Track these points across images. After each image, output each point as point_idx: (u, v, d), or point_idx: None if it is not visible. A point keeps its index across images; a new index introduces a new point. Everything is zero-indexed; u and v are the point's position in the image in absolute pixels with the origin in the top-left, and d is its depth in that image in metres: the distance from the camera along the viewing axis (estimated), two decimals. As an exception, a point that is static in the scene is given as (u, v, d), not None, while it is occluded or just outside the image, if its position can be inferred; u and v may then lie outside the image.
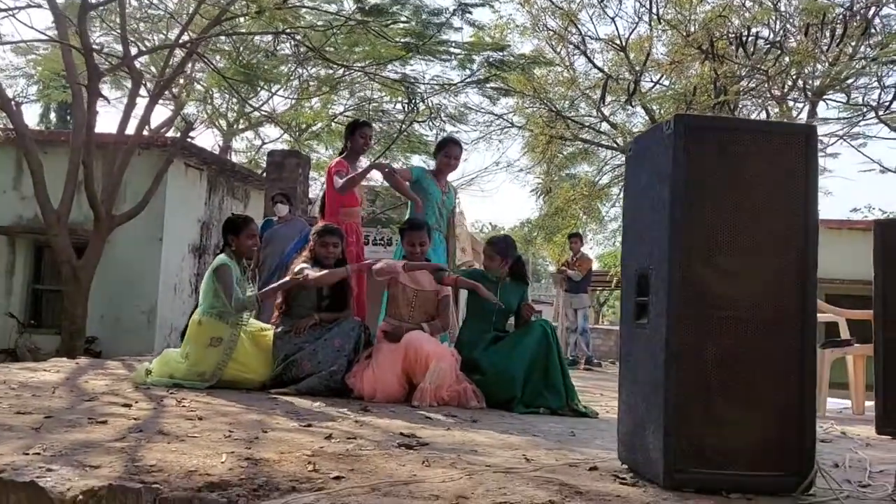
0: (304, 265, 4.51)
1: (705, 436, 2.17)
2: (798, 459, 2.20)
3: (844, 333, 5.61)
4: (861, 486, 2.36)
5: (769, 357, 2.21)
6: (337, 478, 2.08)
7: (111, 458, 2.20)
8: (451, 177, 5.49)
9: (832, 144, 13.16)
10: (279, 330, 4.47)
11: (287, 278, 4.56)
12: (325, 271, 4.42)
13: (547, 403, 4.14)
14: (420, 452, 2.57)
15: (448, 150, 5.23)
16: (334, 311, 4.54)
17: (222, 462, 2.19)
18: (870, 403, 4.49)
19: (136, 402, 3.47)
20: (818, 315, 5.83)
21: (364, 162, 5.74)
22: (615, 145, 14.79)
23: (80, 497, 1.90)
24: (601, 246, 22.07)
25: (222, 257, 4.53)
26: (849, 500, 2.10)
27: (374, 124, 14.79)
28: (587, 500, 1.98)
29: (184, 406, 3.45)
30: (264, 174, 12.08)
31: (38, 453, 2.21)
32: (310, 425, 3.06)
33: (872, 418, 4.01)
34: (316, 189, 16.78)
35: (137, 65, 10.77)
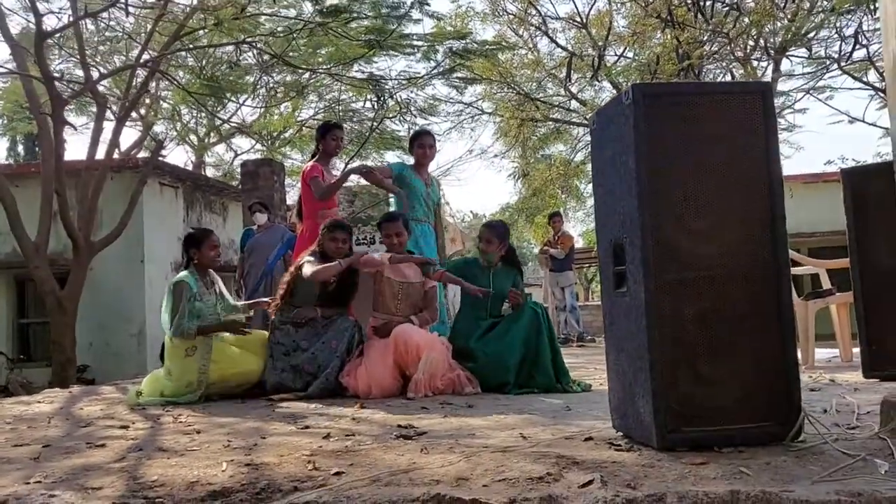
0: (309, 258, 4.52)
1: (693, 395, 2.22)
2: (785, 408, 2.25)
3: (826, 284, 5.70)
4: (849, 429, 2.43)
5: (747, 311, 2.26)
6: (337, 473, 2.11)
7: (112, 478, 2.21)
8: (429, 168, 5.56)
9: (799, 100, 13.31)
10: (277, 318, 4.50)
11: (286, 276, 4.62)
12: (320, 266, 4.43)
13: (536, 385, 4.19)
14: (418, 441, 2.60)
15: (421, 141, 5.33)
16: (335, 305, 4.56)
17: (223, 471, 2.21)
18: (856, 350, 4.57)
19: (133, 423, 3.48)
20: (800, 268, 5.95)
21: (338, 164, 5.80)
22: (586, 122, 14.85)
23: (85, 519, 1.92)
24: (582, 223, 22.21)
25: (182, 274, 4.57)
26: (837, 443, 2.15)
27: (345, 125, 14.80)
28: (584, 469, 2.03)
29: (180, 422, 3.46)
30: (239, 185, 12.04)
31: (40, 481, 2.22)
32: (307, 427, 3.09)
33: (860, 364, 4.09)
34: (293, 195, 16.74)
35: (101, 88, 10.69)
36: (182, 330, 4.35)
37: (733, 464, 1.98)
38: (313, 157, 5.35)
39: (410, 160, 5.51)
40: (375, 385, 4.18)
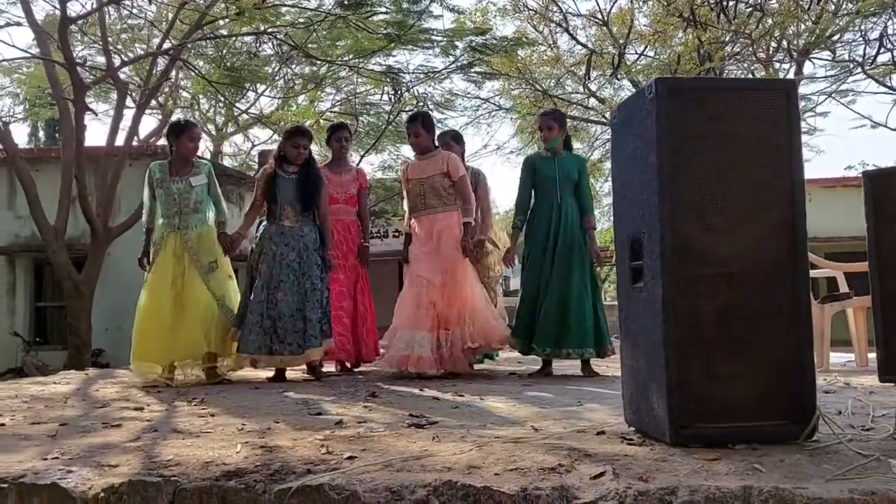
0: (265, 169, 4.85)
1: (708, 391, 2.22)
2: (800, 407, 2.24)
3: (843, 287, 5.65)
4: (864, 430, 2.41)
5: (764, 309, 2.25)
6: (350, 458, 2.12)
7: (128, 456, 2.24)
8: None
9: (821, 103, 13.18)
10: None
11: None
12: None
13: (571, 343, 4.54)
14: (430, 430, 2.61)
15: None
16: (306, 208, 4.78)
17: (237, 452, 2.24)
18: (872, 356, 4.53)
19: (148, 406, 3.52)
20: (817, 271, 5.91)
21: (354, 158, 5.97)
22: (604, 120, 14.80)
23: (102, 494, 1.94)
24: (598, 222, 22.12)
25: (154, 163, 4.87)
26: (852, 443, 2.14)
27: (361, 117, 14.81)
28: (596, 461, 2.03)
29: (195, 405, 3.50)
30: (256, 175, 12.09)
31: (57, 457, 2.25)
32: (320, 413, 3.11)
33: (875, 369, 4.05)
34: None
35: (122, 75, 10.75)
36: (149, 217, 4.76)
37: (746, 460, 1.98)
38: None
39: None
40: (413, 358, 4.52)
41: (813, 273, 5.54)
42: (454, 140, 5.58)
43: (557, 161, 4.81)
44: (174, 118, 5.30)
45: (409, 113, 5.40)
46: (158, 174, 4.74)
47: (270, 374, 4.81)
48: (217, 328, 4.62)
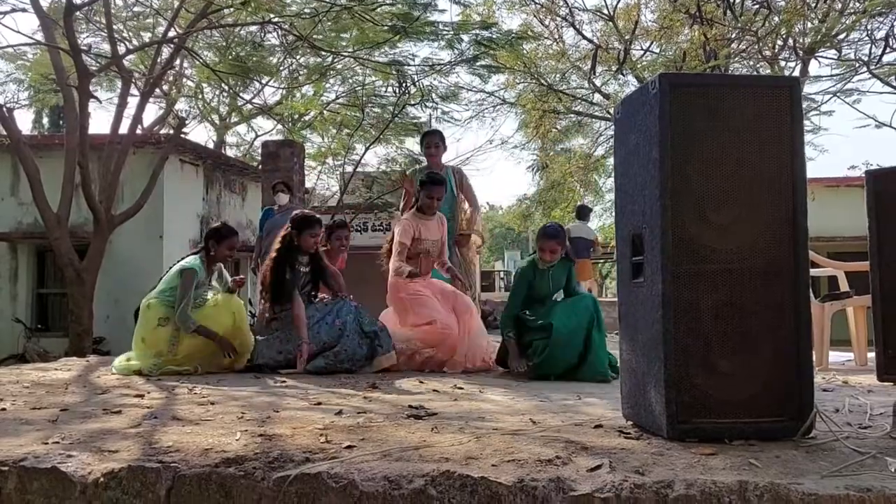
0: (274, 258, 4.76)
1: (705, 387, 2.22)
2: (797, 405, 2.25)
3: (843, 286, 5.65)
4: (861, 428, 2.42)
5: (764, 306, 2.25)
6: (349, 447, 2.14)
7: (128, 442, 2.25)
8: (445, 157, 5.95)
9: (826, 102, 13.15)
10: (269, 316, 4.70)
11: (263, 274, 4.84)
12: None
13: (587, 373, 4.26)
14: (429, 421, 2.63)
15: (427, 141, 5.82)
16: (314, 289, 4.86)
17: (237, 440, 2.25)
18: (872, 355, 4.53)
19: (149, 393, 3.53)
20: (818, 269, 5.91)
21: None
22: (608, 115, 14.78)
23: (102, 479, 1.96)
24: (600, 218, 22.12)
25: (193, 260, 4.75)
26: (849, 441, 2.15)
27: (366, 109, 14.79)
28: (593, 454, 2.04)
29: (195, 394, 3.51)
30: (259, 166, 12.11)
31: (57, 442, 2.26)
32: (319, 403, 3.12)
33: (874, 368, 4.06)
34: (313, 178, 16.78)
35: (126, 63, 10.75)
36: (184, 320, 4.53)
37: (743, 456, 1.98)
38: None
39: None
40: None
41: (814, 272, 5.53)
42: (443, 141, 5.91)
43: (551, 274, 4.67)
44: (218, 224, 5.19)
45: (429, 174, 5.26)
46: (201, 276, 4.72)
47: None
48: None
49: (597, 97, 15.55)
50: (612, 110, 14.97)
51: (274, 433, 2.36)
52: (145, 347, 4.55)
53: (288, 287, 4.65)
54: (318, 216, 4.98)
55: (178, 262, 4.83)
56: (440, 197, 5.05)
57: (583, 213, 11.10)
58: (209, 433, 2.37)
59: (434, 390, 3.66)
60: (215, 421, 2.66)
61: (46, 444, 2.25)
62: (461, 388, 3.73)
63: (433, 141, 5.82)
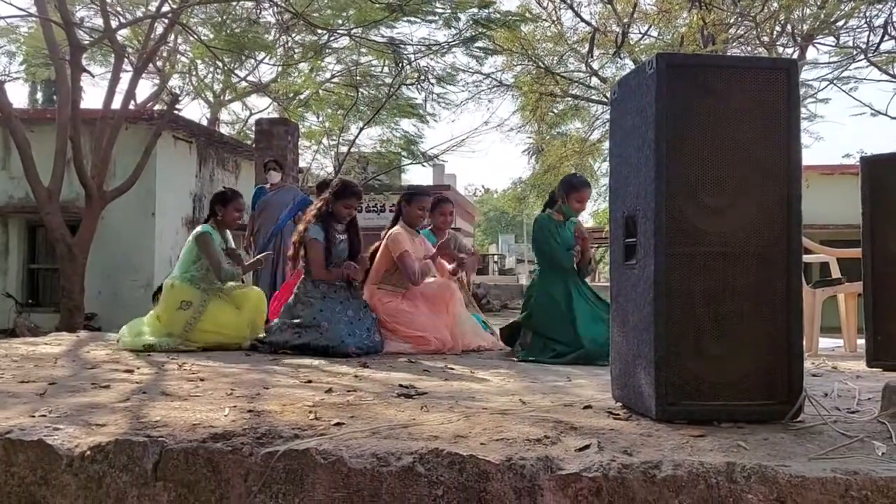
0: (315, 227, 4.56)
1: (695, 369, 2.22)
2: (787, 388, 2.25)
3: (835, 273, 5.67)
4: (849, 412, 2.43)
5: (756, 290, 2.25)
6: (338, 424, 2.13)
7: (116, 416, 2.24)
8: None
9: (823, 89, 13.13)
10: (301, 290, 4.53)
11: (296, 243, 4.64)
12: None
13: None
14: (418, 400, 2.62)
15: (443, 209, 5.31)
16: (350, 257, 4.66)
17: (225, 415, 2.24)
18: (861, 341, 4.55)
19: (138, 368, 3.52)
20: (811, 255, 5.92)
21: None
22: (605, 99, 14.72)
23: (88, 452, 1.95)
24: (594, 202, 22.12)
25: (204, 226, 4.74)
26: (837, 424, 2.15)
27: (361, 89, 14.69)
28: (581, 434, 2.04)
29: (185, 370, 3.50)
30: (253, 144, 12.03)
31: (44, 415, 2.25)
32: (310, 381, 3.12)
33: (864, 354, 4.08)
34: (307, 157, 16.69)
35: (119, 38, 10.64)
36: (229, 273, 4.59)
37: (731, 438, 1.99)
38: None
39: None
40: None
41: (806, 258, 5.55)
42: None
43: (567, 227, 4.67)
44: (221, 189, 5.16)
45: (417, 188, 5.23)
46: (219, 241, 4.73)
47: None
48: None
49: (594, 81, 15.49)
50: (608, 94, 14.93)
51: (263, 409, 2.35)
52: (160, 326, 4.52)
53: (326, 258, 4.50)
54: (360, 188, 4.83)
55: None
56: (428, 207, 4.99)
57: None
58: (198, 408, 2.36)
59: (425, 370, 3.66)
60: (204, 397, 2.65)
61: (33, 416, 2.24)
62: (452, 369, 3.73)
63: (449, 208, 5.37)
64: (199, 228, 4.76)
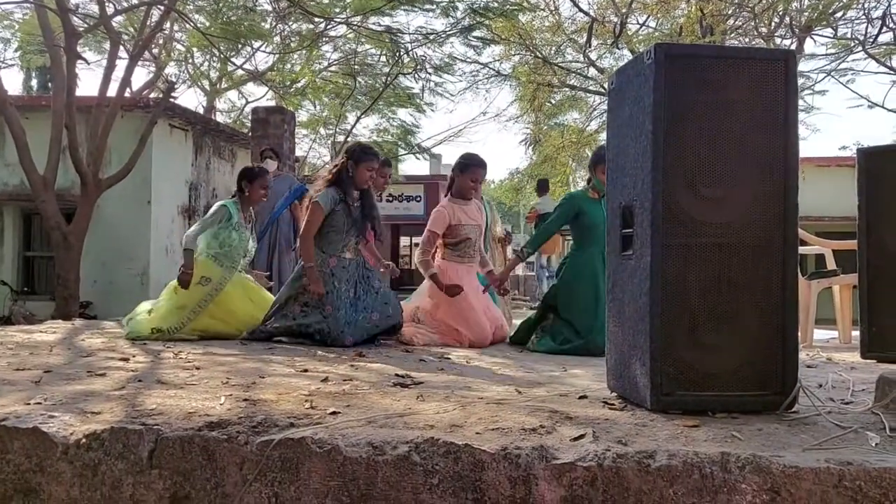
0: (334, 197, 4.37)
1: (690, 359, 2.22)
2: (781, 379, 2.25)
3: (831, 264, 5.68)
4: (843, 403, 2.44)
5: (752, 281, 2.25)
6: (334, 413, 2.13)
7: (111, 404, 2.24)
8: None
9: (820, 81, 13.11)
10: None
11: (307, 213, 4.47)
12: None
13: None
14: (414, 390, 2.63)
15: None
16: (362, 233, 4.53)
17: (221, 404, 2.24)
18: (856, 333, 4.56)
19: (134, 357, 3.52)
20: (806, 247, 5.93)
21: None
22: (602, 90, 14.69)
23: (84, 440, 1.95)
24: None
25: (226, 200, 4.81)
26: (831, 415, 2.16)
27: (358, 78, 14.64)
28: (577, 424, 2.04)
29: (181, 358, 3.50)
30: (249, 132, 11.98)
31: (40, 403, 2.25)
32: (306, 370, 3.12)
33: (858, 346, 4.09)
34: (304, 146, 16.65)
35: (115, 25, 10.56)
36: (189, 239, 4.57)
37: (726, 428, 1.99)
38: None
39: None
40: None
41: (802, 249, 5.56)
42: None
43: (603, 203, 4.38)
44: (247, 166, 5.18)
45: (471, 156, 4.94)
46: (236, 217, 4.72)
47: None
48: None
49: (591, 71, 15.46)
50: (606, 84, 14.89)
51: (258, 398, 2.36)
52: (176, 298, 4.52)
53: (340, 226, 4.35)
54: (375, 149, 4.66)
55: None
56: (481, 179, 4.80)
57: (543, 187, 11.09)
58: (193, 397, 2.36)
59: (421, 360, 3.67)
60: (200, 385, 2.65)
61: (28, 404, 2.23)
62: (448, 359, 3.73)
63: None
64: (221, 201, 4.83)
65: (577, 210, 4.55)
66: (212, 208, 4.79)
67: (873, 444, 1.85)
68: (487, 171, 4.96)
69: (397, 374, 3.00)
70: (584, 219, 4.54)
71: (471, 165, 4.79)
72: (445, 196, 4.90)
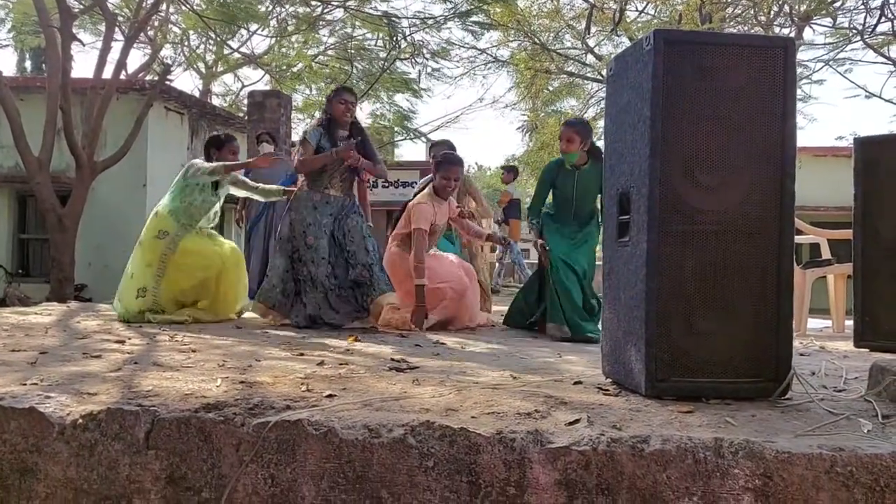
0: (311, 133, 4.50)
1: (685, 346, 2.24)
2: (775, 366, 2.27)
3: (826, 254, 5.70)
4: (836, 391, 2.46)
5: (747, 268, 2.26)
6: (330, 396, 2.14)
7: (108, 385, 2.25)
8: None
9: (818, 70, 13.09)
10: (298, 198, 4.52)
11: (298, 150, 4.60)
12: (307, 158, 4.42)
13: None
14: (410, 374, 2.64)
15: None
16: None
17: (217, 386, 2.25)
18: (849, 322, 4.59)
19: (130, 339, 3.52)
20: (802, 236, 5.95)
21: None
22: (600, 77, 14.65)
23: (80, 421, 1.95)
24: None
25: (195, 161, 4.77)
26: (823, 402, 2.18)
27: (356, 63, 14.56)
28: (571, 409, 2.06)
29: (177, 341, 3.50)
30: (245, 116, 11.93)
31: (36, 383, 2.25)
32: (302, 354, 3.13)
33: (852, 335, 4.11)
34: (300, 130, 16.59)
35: (110, 6, 10.48)
36: (211, 171, 4.58)
37: (719, 414, 2.01)
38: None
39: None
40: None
41: (797, 238, 5.57)
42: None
43: (578, 176, 4.44)
44: (214, 133, 5.20)
45: (445, 154, 5.07)
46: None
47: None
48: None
49: (590, 58, 15.41)
50: (604, 72, 14.87)
51: (255, 381, 2.36)
52: (143, 256, 4.55)
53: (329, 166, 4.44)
54: (348, 86, 4.83)
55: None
56: (457, 178, 4.82)
57: (512, 172, 11.07)
58: (190, 379, 2.37)
59: (416, 345, 3.68)
60: (196, 368, 2.65)
61: (25, 385, 2.23)
62: (444, 344, 3.75)
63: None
64: (191, 163, 4.79)
65: (551, 180, 4.56)
66: (181, 173, 4.71)
67: (865, 431, 1.86)
68: (464, 167, 5.05)
69: (393, 359, 3.01)
70: (555, 192, 4.57)
71: (445, 164, 4.80)
72: (430, 181, 4.97)
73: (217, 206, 4.79)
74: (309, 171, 4.46)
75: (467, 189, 5.67)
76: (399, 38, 12.11)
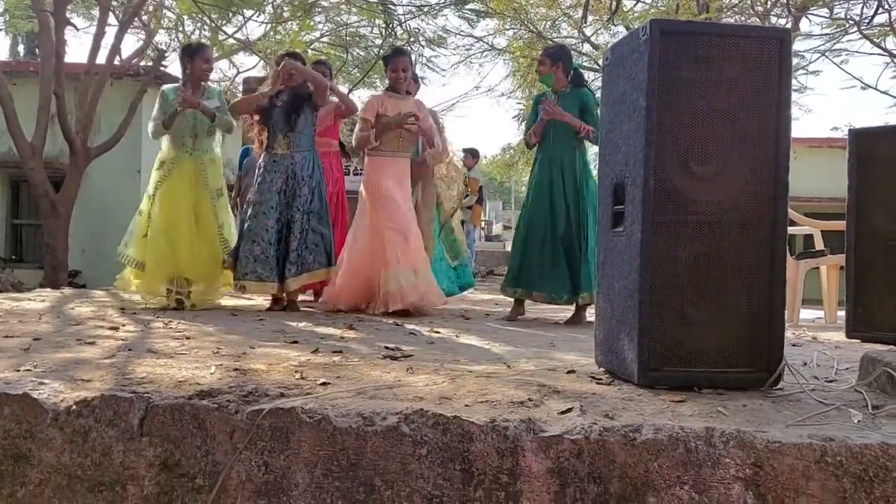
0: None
1: (678, 335, 2.25)
2: (767, 357, 2.28)
3: (819, 245, 5.72)
4: (827, 381, 2.47)
5: (741, 259, 2.26)
6: (324, 384, 2.15)
7: (102, 372, 2.25)
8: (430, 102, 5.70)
9: (814, 61, 13.09)
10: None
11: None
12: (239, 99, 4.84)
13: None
14: (404, 362, 2.65)
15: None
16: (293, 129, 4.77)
17: (211, 373, 2.25)
18: (841, 313, 4.61)
19: (123, 326, 3.52)
20: (795, 227, 5.96)
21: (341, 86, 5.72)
22: (596, 67, 14.61)
23: (74, 407, 1.96)
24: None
25: (166, 86, 4.91)
26: (814, 392, 2.19)
27: (351, 50, 14.49)
28: (564, 397, 2.07)
29: (171, 328, 3.51)
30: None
31: (29, 370, 2.25)
32: (296, 342, 3.13)
33: (844, 325, 4.13)
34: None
35: (104, -10, 10.38)
36: (153, 130, 4.73)
37: (711, 404, 2.02)
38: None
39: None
40: (344, 294, 4.64)
41: (791, 229, 5.58)
42: (415, 80, 5.48)
43: (557, 99, 4.58)
44: (187, 43, 5.29)
45: (393, 47, 5.21)
46: (173, 97, 4.73)
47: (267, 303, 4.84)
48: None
49: (586, 48, 15.36)
50: (600, 61, 14.81)
51: (249, 368, 2.37)
52: (138, 212, 4.77)
53: (269, 123, 4.71)
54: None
55: None
56: (405, 68, 4.85)
57: (474, 155, 11.09)
58: (184, 366, 2.37)
59: (411, 333, 3.69)
60: (190, 355, 2.66)
61: (18, 371, 2.24)
62: (438, 332, 3.76)
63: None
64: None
65: (536, 107, 4.73)
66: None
67: (855, 421, 1.88)
68: (409, 58, 5.12)
69: (387, 347, 3.02)
70: (537, 117, 4.67)
71: (389, 57, 4.96)
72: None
73: (198, 117, 4.80)
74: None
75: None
76: (394, 26, 12.05)
